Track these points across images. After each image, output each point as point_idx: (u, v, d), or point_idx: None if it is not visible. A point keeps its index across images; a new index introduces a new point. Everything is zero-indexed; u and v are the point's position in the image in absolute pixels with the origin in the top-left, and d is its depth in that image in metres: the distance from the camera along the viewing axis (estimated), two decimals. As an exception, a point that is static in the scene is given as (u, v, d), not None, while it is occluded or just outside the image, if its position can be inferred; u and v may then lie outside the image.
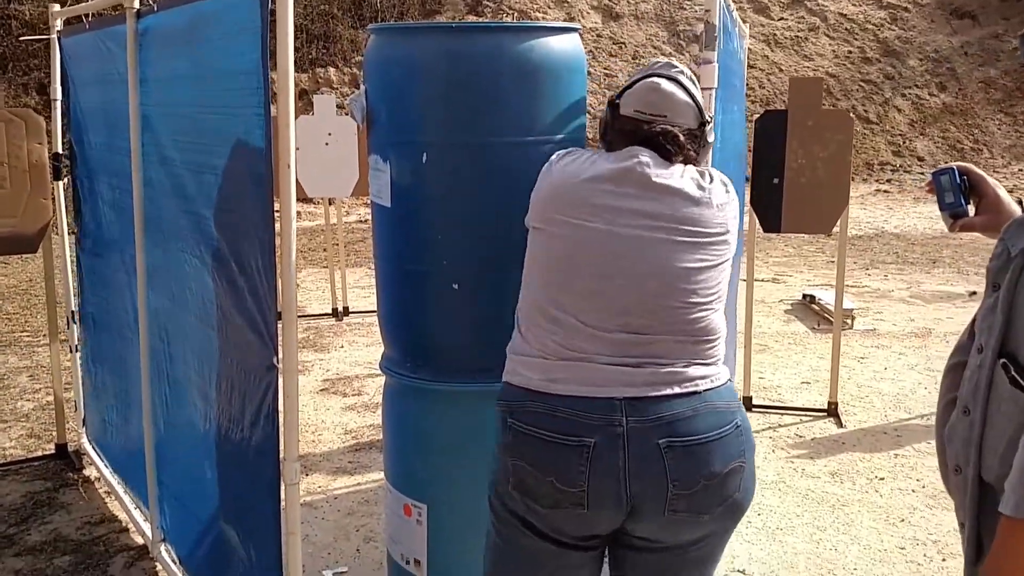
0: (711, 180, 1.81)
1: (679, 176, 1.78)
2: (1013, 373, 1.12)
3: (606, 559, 1.88)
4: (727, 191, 1.83)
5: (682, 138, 1.82)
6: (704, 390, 1.72)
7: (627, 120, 1.86)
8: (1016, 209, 1.42)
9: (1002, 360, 1.13)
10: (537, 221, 1.83)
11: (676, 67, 1.91)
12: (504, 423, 1.74)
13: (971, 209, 1.45)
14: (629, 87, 1.89)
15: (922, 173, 13.26)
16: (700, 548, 1.76)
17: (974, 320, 1.23)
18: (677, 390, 1.70)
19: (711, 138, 1.92)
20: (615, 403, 1.66)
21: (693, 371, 1.72)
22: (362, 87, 2.32)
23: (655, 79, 1.87)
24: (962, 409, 1.20)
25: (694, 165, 1.84)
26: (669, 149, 1.81)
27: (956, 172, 1.45)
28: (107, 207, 3.44)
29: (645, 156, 1.79)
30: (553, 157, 1.90)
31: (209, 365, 2.43)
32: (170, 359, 2.78)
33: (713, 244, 1.77)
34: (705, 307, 1.75)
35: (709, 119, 1.92)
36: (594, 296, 1.72)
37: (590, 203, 1.75)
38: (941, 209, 1.47)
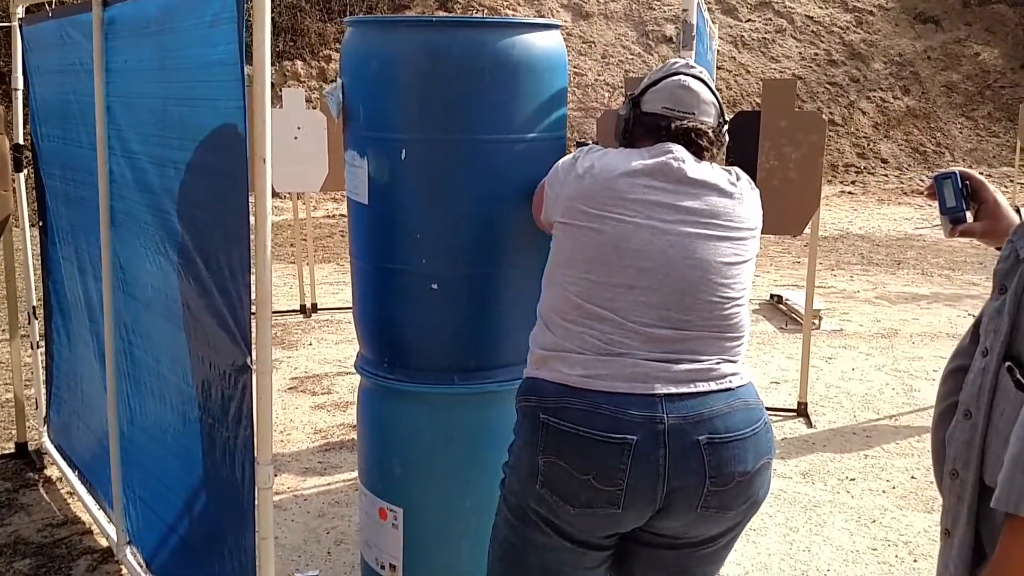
0: (738, 178, 1.84)
1: (712, 171, 1.81)
2: (1019, 376, 1.11)
3: None
4: (752, 188, 1.86)
5: (712, 134, 1.85)
6: (736, 387, 1.73)
7: (654, 117, 1.86)
8: (1014, 216, 1.42)
9: (1007, 363, 1.13)
10: (567, 217, 1.81)
11: (696, 67, 1.93)
12: (535, 420, 1.71)
13: (969, 215, 1.45)
14: (653, 84, 1.89)
15: (885, 175, 13.44)
16: (716, 543, 1.77)
17: (977, 324, 1.22)
18: (713, 386, 1.71)
19: (726, 138, 1.94)
20: (656, 399, 1.66)
21: (725, 368, 1.74)
22: (338, 81, 2.27)
23: (683, 77, 1.88)
24: (963, 413, 1.19)
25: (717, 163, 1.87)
26: (701, 145, 1.84)
27: (958, 176, 1.44)
28: (62, 200, 3.36)
29: (679, 151, 1.80)
30: (575, 153, 1.89)
31: (175, 364, 2.37)
32: (132, 358, 2.71)
33: (745, 239, 1.80)
34: (738, 303, 1.78)
35: (726, 120, 1.94)
36: (635, 291, 1.72)
37: (628, 198, 1.75)
38: (942, 213, 1.46)
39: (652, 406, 1.65)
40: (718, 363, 1.73)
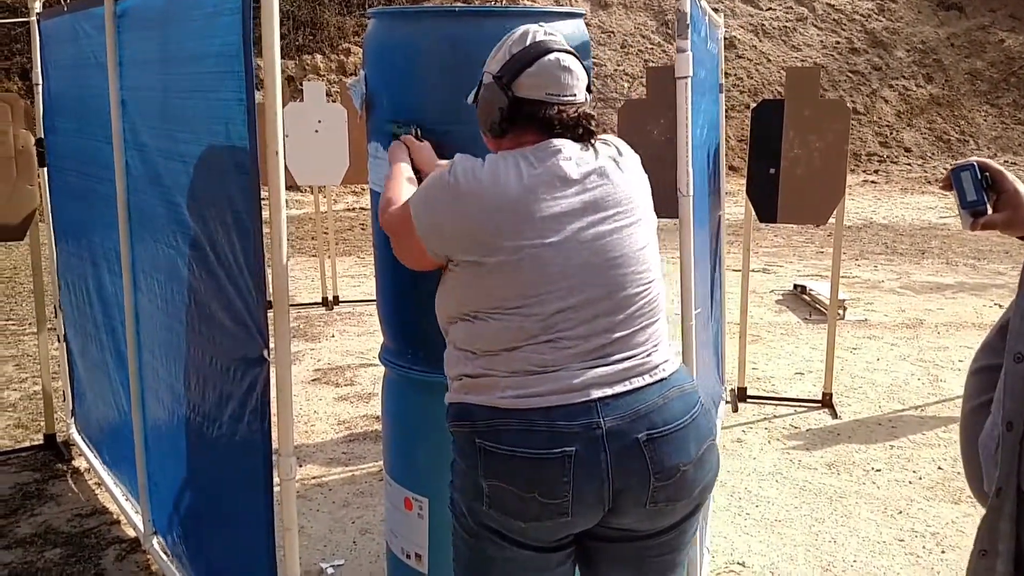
0: (619, 152, 1.75)
1: (601, 158, 1.71)
2: None
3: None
4: (632, 154, 1.78)
5: (595, 116, 1.73)
6: (668, 375, 1.70)
7: (537, 106, 1.68)
8: None
9: None
10: (474, 254, 1.64)
11: (552, 33, 1.74)
12: (472, 444, 1.65)
13: (990, 207, 1.39)
14: (525, 65, 1.67)
15: (909, 164, 13.30)
16: (675, 531, 1.74)
17: (1005, 323, 1.18)
18: (648, 379, 1.67)
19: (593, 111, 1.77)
20: (592, 405, 1.61)
21: (655, 357, 1.70)
22: (361, 73, 2.27)
23: (559, 55, 1.69)
24: (1005, 425, 1.14)
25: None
26: (591, 130, 1.71)
27: (977, 168, 1.39)
28: (74, 194, 3.38)
29: (565, 148, 1.68)
30: (452, 174, 1.67)
31: (195, 357, 2.38)
32: (157, 350, 2.73)
33: (645, 216, 1.75)
34: (654, 282, 1.73)
35: (592, 88, 1.77)
36: (567, 312, 1.64)
37: (536, 218, 1.63)
38: (961, 207, 1.40)
39: (588, 412, 1.61)
40: (648, 354, 1.69)
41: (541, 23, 1.79)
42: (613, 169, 1.71)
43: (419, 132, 2.09)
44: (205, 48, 2.00)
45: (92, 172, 3.07)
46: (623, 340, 1.67)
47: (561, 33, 2.15)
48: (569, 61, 1.70)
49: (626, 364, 1.66)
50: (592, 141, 1.73)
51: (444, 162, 1.91)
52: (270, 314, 1.89)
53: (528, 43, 1.70)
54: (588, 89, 1.75)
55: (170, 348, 2.62)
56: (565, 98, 1.69)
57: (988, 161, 1.41)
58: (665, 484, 1.64)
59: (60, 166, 3.54)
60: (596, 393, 1.62)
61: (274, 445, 1.96)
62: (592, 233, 1.66)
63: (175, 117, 2.29)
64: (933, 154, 13.62)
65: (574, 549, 1.76)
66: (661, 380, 1.68)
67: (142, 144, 2.54)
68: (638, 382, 1.66)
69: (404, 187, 1.89)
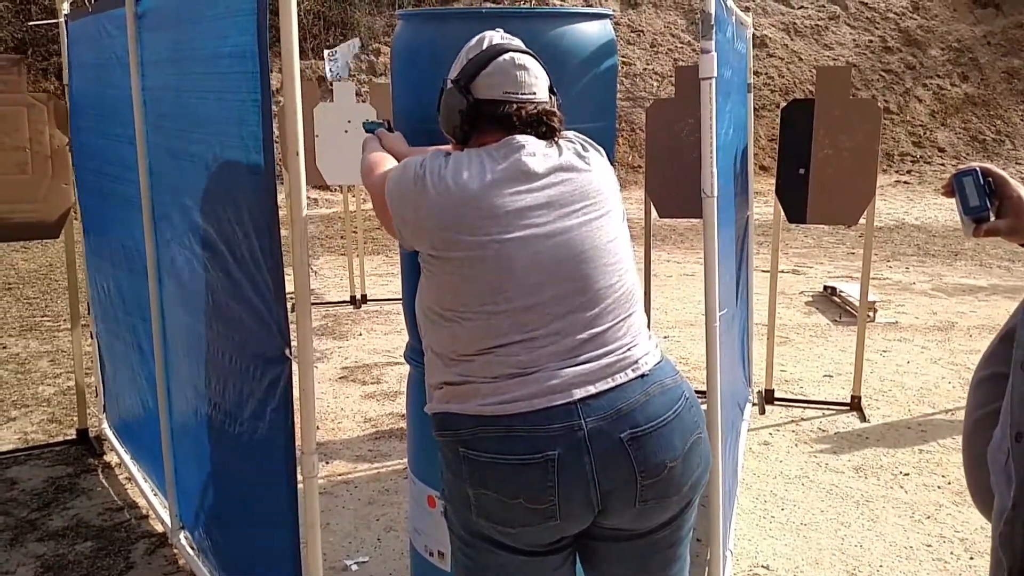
0: (582, 146, 1.75)
1: (564, 152, 1.71)
2: None
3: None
4: (597, 150, 1.77)
5: (559, 114, 1.73)
6: (649, 370, 1.67)
7: (496, 105, 1.69)
8: None
9: None
10: (440, 249, 1.65)
11: (511, 37, 1.77)
12: (456, 454, 1.65)
13: (992, 213, 1.37)
14: (481, 67, 1.70)
15: (943, 164, 13.12)
16: (670, 527, 1.72)
17: (1011, 330, 1.15)
18: (630, 374, 1.65)
19: (559, 110, 1.78)
20: (573, 406, 1.60)
21: (636, 350, 1.68)
22: (355, 40, 2.28)
23: (514, 55, 1.71)
24: (1014, 436, 1.11)
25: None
26: (554, 127, 1.71)
27: (979, 173, 1.37)
28: (96, 193, 3.42)
29: (528, 144, 1.68)
30: (414, 167, 1.69)
31: (205, 356, 2.40)
32: (181, 349, 2.77)
33: (613, 208, 1.73)
34: (628, 272, 1.72)
35: (555, 90, 1.78)
36: (536, 308, 1.63)
37: (500, 213, 1.63)
38: (964, 213, 1.37)
39: (569, 415, 1.59)
40: (628, 348, 1.67)
41: (498, 28, 1.80)
42: (578, 164, 1.71)
43: (391, 124, 2.14)
44: (219, 48, 2.02)
45: (114, 172, 3.11)
46: (601, 335, 1.66)
47: (587, 34, 2.17)
48: (525, 60, 1.72)
49: (606, 360, 1.65)
50: (556, 138, 1.72)
51: (417, 149, 1.94)
52: (293, 313, 1.91)
53: (484, 46, 1.73)
54: (552, 91, 1.76)
55: (193, 346, 2.66)
56: (523, 96, 1.70)
57: (991, 167, 1.39)
58: (652, 482, 1.63)
59: (84, 165, 3.59)
60: (578, 393, 1.61)
61: (297, 443, 1.98)
62: (558, 227, 1.65)
63: (191, 118, 2.31)
64: (968, 154, 13.42)
65: (572, 551, 1.75)
66: (643, 375, 1.66)
67: (159, 144, 2.57)
68: (620, 378, 1.64)
69: (383, 159, 1.91)
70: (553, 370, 1.62)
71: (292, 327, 1.93)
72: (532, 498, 1.60)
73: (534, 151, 1.68)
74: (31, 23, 8.83)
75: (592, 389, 1.62)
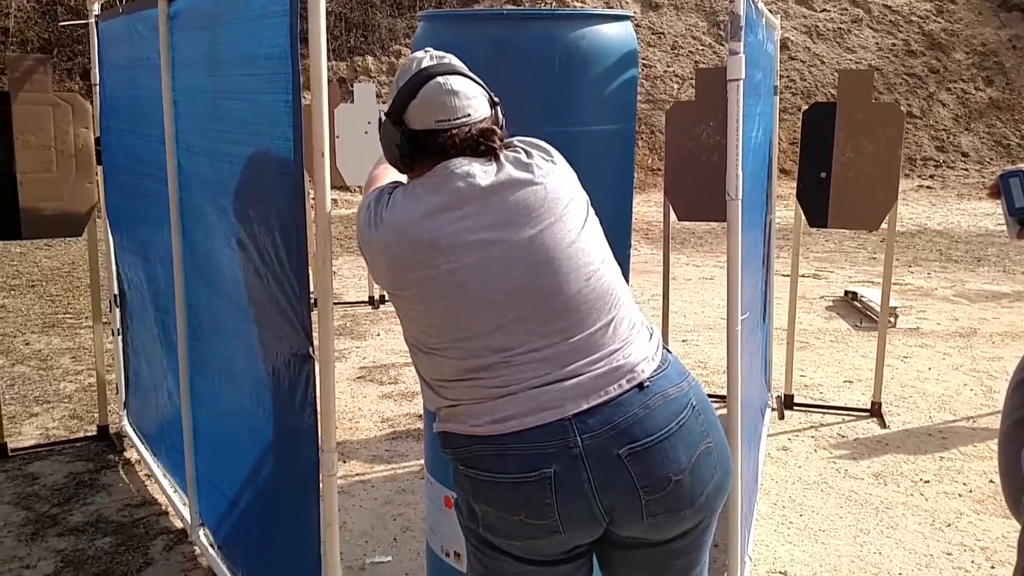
0: (526, 153, 1.67)
1: (504, 167, 1.64)
2: None
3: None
4: (547, 156, 1.69)
5: (499, 130, 1.68)
6: (650, 377, 1.61)
7: (430, 136, 1.65)
8: None
9: None
10: (397, 288, 1.65)
11: (441, 56, 1.71)
12: (458, 471, 1.66)
13: None
14: (410, 96, 1.66)
15: (966, 169, 13.00)
16: (689, 536, 1.68)
17: None
18: (625, 385, 1.59)
19: (503, 119, 1.74)
20: (567, 423, 1.56)
21: (631, 357, 1.62)
22: None
23: (441, 79, 1.65)
24: None
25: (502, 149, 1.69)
26: (493, 145, 1.65)
27: None
28: (130, 192, 3.46)
29: (460, 167, 1.62)
30: (366, 212, 1.67)
31: (246, 352, 2.43)
32: (204, 345, 2.79)
33: (568, 211, 1.64)
34: (600, 268, 1.65)
35: (496, 98, 1.73)
36: (506, 328, 1.59)
37: (443, 244, 1.59)
38: (1009, 214, 1.38)
39: (563, 431, 1.56)
40: (618, 355, 1.61)
41: (429, 48, 1.74)
42: (519, 176, 1.63)
43: None
44: (254, 50, 2.03)
45: (148, 171, 3.14)
46: (583, 345, 1.60)
47: (608, 36, 2.17)
48: (454, 83, 1.65)
49: (596, 370, 1.59)
50: (496, 153, 1.65)
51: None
52: (314, 312, 1.92)
53: (412, 72, 1.68)
54: (493, 103, 1.70)
55: (218, 344, 2.68)
56: (456, 121, 1.64)
57: None
58: (658, 497, 1.58)
59: (115, 164, 3.63)
60: (570, 408, 1.56)
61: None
62: (508, 245, 1.59)
63: (223, 118, 2.33)
64: (992, 159, 13.29)
65: (588, 558, 1.73)
66: (642, 385, 1.60)
67: (192, 144, 2.59)
68: (614, 390, 1.58)
69: (379, 176, 1.88)
70: (540, 386, 1.58)
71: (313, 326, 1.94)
72: (533, 515, 1.58)
73: (469, 172, 1.62)
74: (61, 23, 8.92)
75: (584, 404, 1.57)
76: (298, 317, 1.98)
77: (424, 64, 1.68)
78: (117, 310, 4.02)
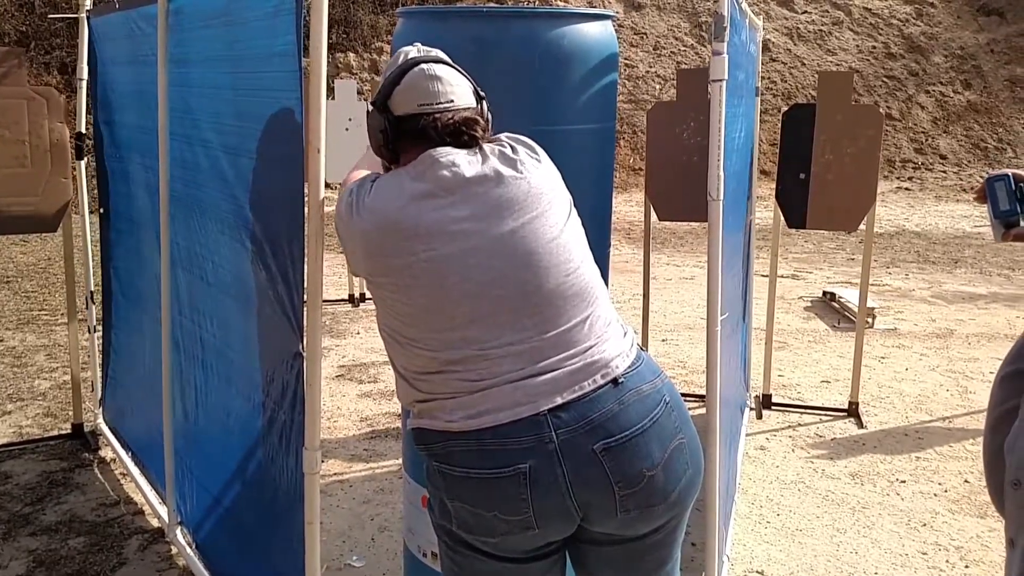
0: (512, 149, 1.68)
1: (489, 159, 1.65)
2: None
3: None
4: (529, 149, 1.71)
5: (482, 121, 1.69)
6: (624, 373, 1.61)
7: (413, 120, 1.67)
8: None
9: None
10: (375, 275, 1.65)
11: (428, 50, 1.75)
12: (431, 467, 1.65)
13: (1022, 218, 1.40)
14: (395, 83, 1.69)
15: (944, 172, 13.12)
16: (661, 533, 1.69)
17: None
18: (599, 380, 1.59)
19: (489, 115, 1.75)
20: (542, 418, 1.56)
21: (606, 353, 1.62)
22: None
23: (425, 66, 1.68)
24: None
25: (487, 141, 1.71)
26: (475, 135, 1.67)
27: (1012, 179, 1.39)
28: (139, 187, 3.42)
29: (446, 156, 1.63)
30: (351, 193, 1.69)
31: (247, 349, 2.41)
32: (202, 342, 2.76)
33: (551, 208, 1.66)
34: (580, 266, 1.66)
35: (483, 94, 1.74)
36: (482, 320, 1.59)
37: (422, 232, 1.59)
38: (994, 216, 1.40)
39: (538, 426, 1.56)
40: (593, 351, 1.61)
41: (417, 43, 1.77)
42: (503, 169, 1.64)
43: None
44: (269, 47, 2.03)
45: (154, 164, 3.12)
46: (558, 340, 1.60)
47: (589, 35, 2.16)
48: (437, 69, 1.68)
49: (571, 366, 1.60)
50: (480, 144, 1.67)
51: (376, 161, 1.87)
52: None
53: (399, 63, 1.71)
54: (479, 96, 1.73)
55: (223, 339, 2.65)
56: (439, 106, 1.66)
57: (1022, 172, 1.41)
58: (632, 492, 1.59)
59: (119, 157, 3.58)
60: (545, 403, 1.57)
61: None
62: (488, 237, 1.60)
63: (239, 114, 2.32)
64: (969, 161, 13.42)
65: (560, 556, 1.73)
66: (616, 381, 1.60)
67: (205, 140, 2.57)
68: (588, 385, 1.59)
69: (357, 172, 1.88)
70: (515, 381, 1.58)
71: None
72: (507, 510, 1.58)
73: (454, 162, 1.63)
74: (50, 17, 8.80)
75: (559, 399, 1.57)
76: (295, 315, 1.98)
77: (411, 55, 1.72)
78: (93, 307, 3.97)
